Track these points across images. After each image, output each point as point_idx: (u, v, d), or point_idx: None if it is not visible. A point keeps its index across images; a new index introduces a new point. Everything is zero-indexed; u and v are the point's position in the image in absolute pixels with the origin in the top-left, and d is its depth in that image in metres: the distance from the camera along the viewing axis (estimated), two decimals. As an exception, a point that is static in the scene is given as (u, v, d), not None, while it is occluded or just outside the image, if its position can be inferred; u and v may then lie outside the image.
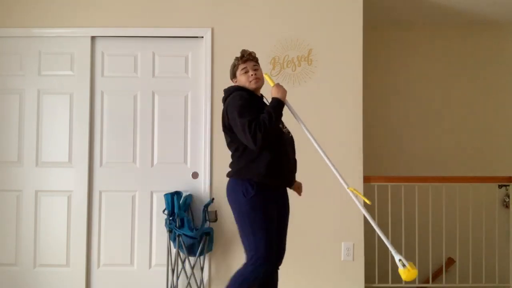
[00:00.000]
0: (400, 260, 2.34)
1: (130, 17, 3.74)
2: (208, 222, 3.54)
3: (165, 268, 3.55)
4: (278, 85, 2.52)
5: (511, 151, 4.57)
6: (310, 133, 2.52)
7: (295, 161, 2.60)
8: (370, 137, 4.11)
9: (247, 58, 2.56)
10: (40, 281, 3.67)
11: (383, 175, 3.99)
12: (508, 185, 4.01)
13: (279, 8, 3.74)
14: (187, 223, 3.42)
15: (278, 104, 2.43)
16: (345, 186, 2.48)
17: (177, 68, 3.78)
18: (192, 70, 3.78)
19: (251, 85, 2.52)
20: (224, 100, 2.55)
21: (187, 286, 3.49)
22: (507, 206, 4.20)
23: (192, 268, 3.47)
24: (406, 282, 3.80)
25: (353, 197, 2.46)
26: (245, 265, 2.40)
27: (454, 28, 4.65)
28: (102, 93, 3.77)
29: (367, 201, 2.39)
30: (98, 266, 3.69)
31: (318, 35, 3.72)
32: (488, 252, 3.90)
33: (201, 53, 3.75)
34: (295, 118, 2.53)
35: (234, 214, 2.48)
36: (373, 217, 3.78)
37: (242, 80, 2.54)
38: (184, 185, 3.68)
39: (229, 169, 2.52)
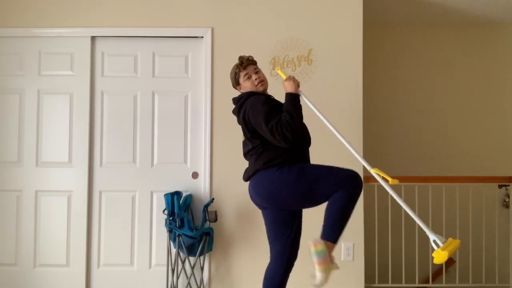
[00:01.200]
0: (434, 241, 2.17)
1: (130, 17, 3.74)
2: (208, 222, 3.54)
3: (165, 268, 3.55)
4: (289, 78, 2.51)
5: (511, 151, 4.58)
6: (326, 118, 2.52)
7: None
8: (370, 137, 4.11)
9: (247, 63, 2.57)
10: (40, 281, 3.67)
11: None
12: (508, 185, 4.02)
13: (279, 8, 3.74)
14: (187, 223, 3.42)
15: (292, 98, 2.43)
16: (368, 168, 2.43)
17: (177, 68, 3.78)
18: (192, 70, 3.78)
19: (258, 89, 2.54)
20: (238, 109, 2.53)
21: (187, 286, 3.49)
22: (507, 206, 4.20)
23: (192, 268, 3.47)
24: (406, 282, 3.83)
25: (378, 179, 2.38)
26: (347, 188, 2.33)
27: (454, 27, 4.65)
28: (102, 93, 3.77)
29: (390, 180, 2.26)
30: (98, 266, 3.69)
31: (318, 35, 3.72)
32: (488, 252, 3.90)
33: (201, 53, 3.76)
34: (311, 106, 2.53)
35: (289, 199, 2.39)
36: (373, 218, 3.81)
37: (248, 86, 2.56)
38: (184, 185, 3.68)
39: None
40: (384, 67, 4.64)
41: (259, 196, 2.47)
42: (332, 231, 2.33)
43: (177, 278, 3.49)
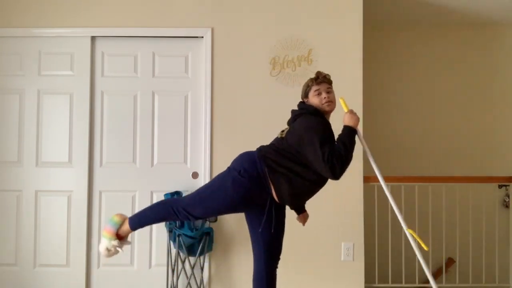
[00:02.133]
0: None
1: (130, 17, 3.74)
2: (208, 222, 3.54)
3: (165, 268, 3.55)
4: (351, 112, 2.48)
5: (511, 151, 4.57)
6: (375, 163, 2.57)
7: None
8: (370, 137, 4.09)
9: (322, 80, 2.52)
10: (40, 281, 3.67)
11: (383, 175, 3.98)
12: (508, 185, 4.02)
13: (279, 8, 3.74)
14: (187, 223, 3.42)
15: (351, 133, 2.40)
16: (404, 228, 2.51)
17: (177, 68, 3.78)
18: (192, 70, 3.78)
19: (323, 108, 2.49)
20: (296, 116, 2.49)
21: (187, 286, 3.50)
22: (507, 206, 4.20)
23: (192, 268, 3.48)
24: (406, 282, 3.83)
25: (410, 240, 2.49)
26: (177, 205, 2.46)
27: (454, 28, 4.65)
28: (102, 93, 3.77)
29: (424, 247, 2.36)
30: (98, 266, 3.69)
31: (318, 35, 3.72)
32: (488, 252, 3.90)
33: (201, 53, 3.76)
34: (364, 148, 2.55)
35: (220, 174, 2.47)
36: (373, 217, 3.81)
37: (315, 101, 2.50)
38: (184, 185, 3.68)
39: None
40: (384, 67, 4.64)
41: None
42: (136, 219, 2.50)
43: (177, 278, 3.49)
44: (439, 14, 4.37)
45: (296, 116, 2.51)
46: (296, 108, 2.58)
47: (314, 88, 2.51)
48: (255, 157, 2.41)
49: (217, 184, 2.44)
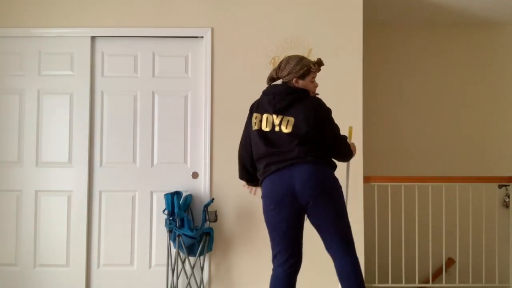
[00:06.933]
0: None
1: (130, 17, 3.74)
2: (208, 222, 3.54)
3: (165, 268, 3.55)
4: (353, 144, 2.69)
5: (511, 151, 4.57)
6: None
7: None
8: (370, 137, 4.10)
9: (319, 69, 2.53)
10: (40, 281, 3.67)
11: (383, 175, 3.99)
12: (508, 185, 4.01)
13: (279, 8, 3.74)
14: (187, 223, 3.42)
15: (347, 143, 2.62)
16: None
17: (177, 68, 3.78)
18: (192, 70, 3.78)
19: (312, 94, 2.56)
20: (292, 101, 2.42)
21: (187, 286, 3.50)
22: (507, 206, 4.20)
23: (192, 268, 3.48)
24: (406, 282, 3.83)
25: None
26: (351, 256, 2.43)
27: (454, 28, 4.65)
28: (102, 93, 3.77)
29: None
30: (98, 266, 3.69)
31: (318, 35, 3.72)
32: (488, 252, 3.90)
33: (201, 53, 3.76)
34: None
35: (334, 203, 2.38)
36: (373, 217, 3.81)
37: (309, 87, 2.52)
38: (184, 185, 3.68)
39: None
40: (384, 67, 4.64)
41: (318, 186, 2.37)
42: None
43: (177, 278, 3.49)
44: (440, 14, 4.37)
45: (296, 100, 2.43)
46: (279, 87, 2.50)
47: (312, 75, 2.52)
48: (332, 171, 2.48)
49: (344, 208, 2.48)
